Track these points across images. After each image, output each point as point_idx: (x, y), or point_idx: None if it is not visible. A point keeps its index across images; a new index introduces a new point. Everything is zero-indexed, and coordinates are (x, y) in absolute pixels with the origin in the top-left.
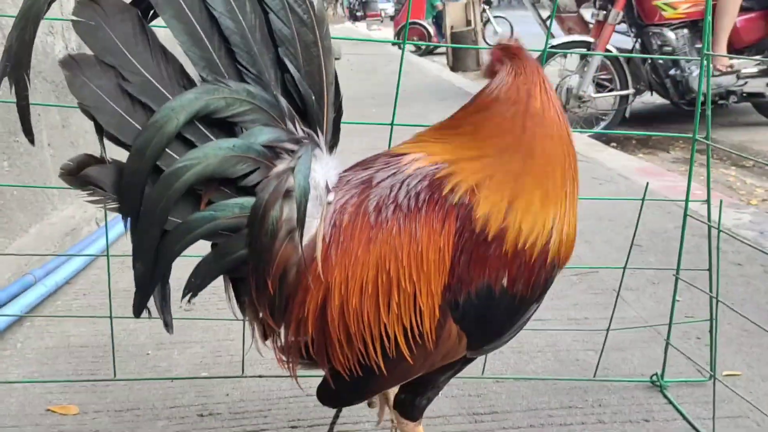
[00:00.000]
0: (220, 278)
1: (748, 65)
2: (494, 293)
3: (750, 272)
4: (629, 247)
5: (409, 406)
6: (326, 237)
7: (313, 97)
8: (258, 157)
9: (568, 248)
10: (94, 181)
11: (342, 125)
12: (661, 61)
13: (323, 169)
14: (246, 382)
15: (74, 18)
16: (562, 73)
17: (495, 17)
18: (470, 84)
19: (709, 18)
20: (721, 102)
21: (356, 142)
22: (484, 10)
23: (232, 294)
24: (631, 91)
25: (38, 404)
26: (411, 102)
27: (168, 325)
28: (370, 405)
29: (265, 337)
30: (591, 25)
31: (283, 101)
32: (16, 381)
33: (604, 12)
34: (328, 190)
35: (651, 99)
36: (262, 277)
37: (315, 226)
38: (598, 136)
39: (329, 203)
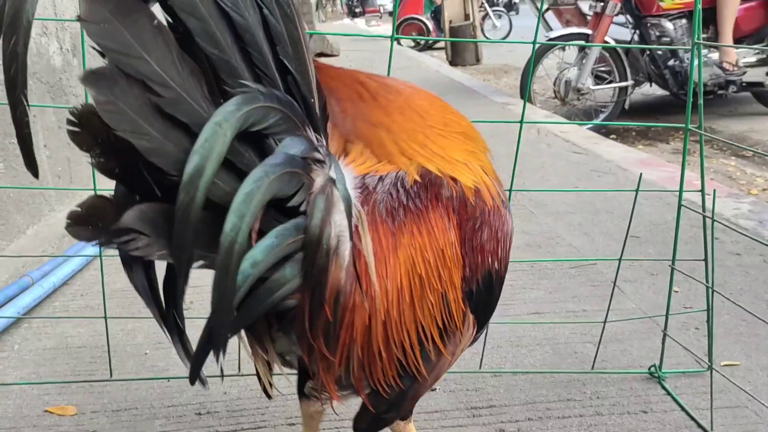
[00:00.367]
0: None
1: (747, 54)
2: (492, 274)
3: (748, 262)
4: (624, 239)
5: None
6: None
7: (313, 99)
8: (302, 171)
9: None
10: (133, 227)
11: None
12: (659, 52)
13: (349, 176)
14: (243, 380)
15: (85, 19)
16: (560, 66)
17: (494, 11)
18: (469, 78)
19: (699, 6)
20: (720, 92)
21: None
22: (482, 5)
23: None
24: (630, 82)
25: (36, 405)
26: None
27: (204, 383)
28: None
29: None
30: (589, 17)
31: (297, 106)
32: (13, 383)
33: (602, 3)
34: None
35: (651, 90)
36: (318, 303)
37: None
38: (597, 128)
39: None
